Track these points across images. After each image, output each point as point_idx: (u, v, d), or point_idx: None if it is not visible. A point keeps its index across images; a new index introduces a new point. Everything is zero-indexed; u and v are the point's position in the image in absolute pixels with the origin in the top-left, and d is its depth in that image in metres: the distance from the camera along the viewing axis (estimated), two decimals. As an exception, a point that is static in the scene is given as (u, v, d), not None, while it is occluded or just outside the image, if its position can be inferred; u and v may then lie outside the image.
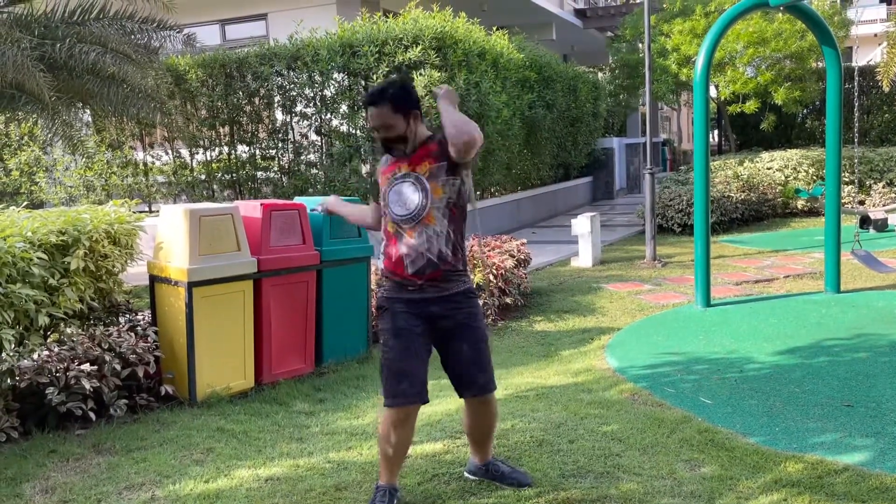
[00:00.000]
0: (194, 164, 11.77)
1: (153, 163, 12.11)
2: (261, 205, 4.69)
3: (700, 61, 6.46)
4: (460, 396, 3.16)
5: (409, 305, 3.01)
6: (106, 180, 12.18)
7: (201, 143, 11.43)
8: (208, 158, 11.55)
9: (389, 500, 3.01)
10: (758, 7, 6.53)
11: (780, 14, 13.53)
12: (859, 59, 20.52)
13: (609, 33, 20.74)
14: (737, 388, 4.37)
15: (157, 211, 10.83)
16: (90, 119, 11.72)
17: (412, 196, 2.96)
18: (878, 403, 4.00)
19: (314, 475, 3.42)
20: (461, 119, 2.86)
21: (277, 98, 10.85)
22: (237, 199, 11.23)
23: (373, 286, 5.40)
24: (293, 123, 10.90)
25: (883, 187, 12.58)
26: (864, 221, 7.65)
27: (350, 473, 3.43)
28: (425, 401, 3.02)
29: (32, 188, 12.71)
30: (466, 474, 3.33)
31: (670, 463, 3.41)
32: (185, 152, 11.82)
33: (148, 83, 8.83)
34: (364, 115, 9.88)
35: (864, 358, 4.83)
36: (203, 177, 11.66)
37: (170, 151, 11.93)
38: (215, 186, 11.60)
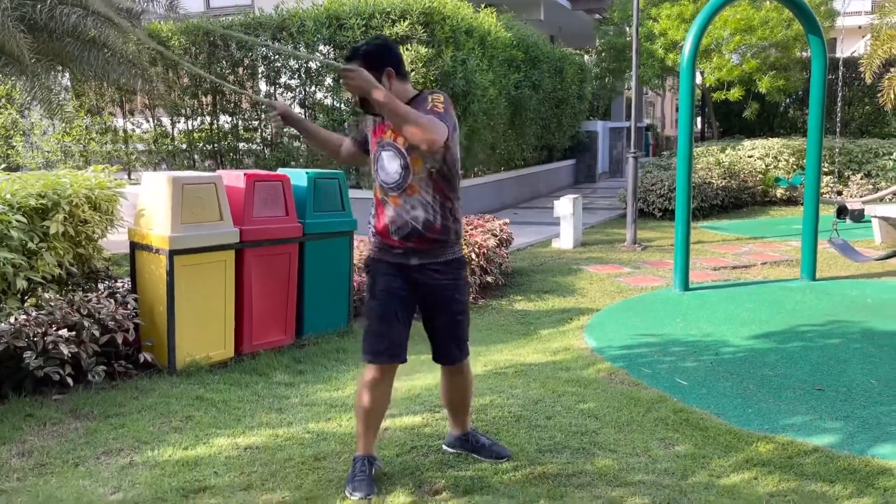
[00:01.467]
0: (175, 133, 11.63)
1: (133, 130, 11.95)
2: (244, 175, 4.66)
3: (687, 47, 6.48)
4: (434, 360, 3.21)
5: (392, 268, 3.03)
6: (84, 146, 12.00)
7: (183, 111, 11.28)
8: (190, 128, 11.42)
9: (368, 470, 3.03)
10: (747, -6, 6.55)
11: (768, 2, 13.58)
12: (844, 51, 20.67)
13: (597, 15, 20.68)
14: (712, 371, 4.44)
15: (137, 179, 10.72)
16: (69, 84, 11.51)
17: (394, 165, 2.95)
18: (849, 388, 4.09)
19: (293, 445, 3.44)
20: (423, 119, 2.73)
21: (261, 69, 10.74)
22: (218, 169, 11.12)
23: (356, 261, 5.40)
24: (277, 95, 10.79)
25: (861, 179, 12.74)
26: (841, 211, 7.75)
27: (329, 444, 3.45)
28: (403, 360, 3.07)
29: (9, 152, 12.49)
30: (445, 447, 3.37)
31: (645, 441, 3.47)
32: (166, 120, 11.67)
33: (129, 48, 8.69)
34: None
35: (836, 344, 4.92)
36: (184, 146, 11.54)
37: (151, 119, 11.78)
38: (196, 156, 11.48)
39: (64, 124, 11.56)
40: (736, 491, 2.99)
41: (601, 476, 3.12)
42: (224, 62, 10.78)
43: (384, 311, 3.00)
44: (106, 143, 11.93)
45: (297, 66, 10.41)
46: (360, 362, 4.73)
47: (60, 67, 8.53)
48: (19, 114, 12.48)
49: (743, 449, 3.38)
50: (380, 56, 2.92)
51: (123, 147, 11.95)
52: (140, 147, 11.90)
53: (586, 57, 19.98)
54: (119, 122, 12.02)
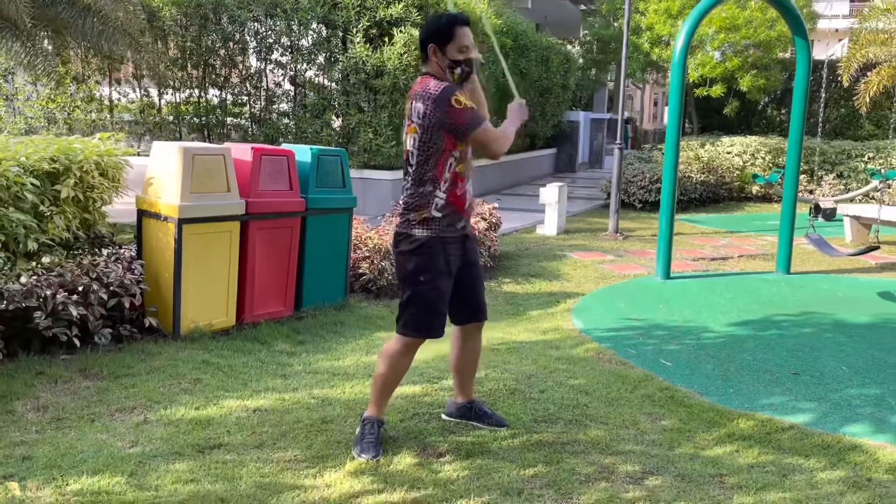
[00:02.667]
0: (162, 105, 11.59)
1: (119, 100, 11.88)
2: (251, 148, 4.77)
3: (679, 44, 6.68)
4: (467, 323, 3.31)
5: (456, 244, 3.15)
6: (69, 114, 11.91)
7: (171, 83, 11.25)
8: (177, 100, 11.40)
9: (378, 433, 3.20)
10: (738, -6, 6.77)
11: (753, 2, 13.87)
12: (820, 53, 21.09)
13: (582, 6, 20.86)
14: (694, 354, 4.68)
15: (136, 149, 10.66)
16: (52, 50, 11.40)
17: None
18: (822, 373, 4.34)
19: (300, 408, 3.60)
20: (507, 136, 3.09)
21: (253, 44, 10.75)
22: (205, 142, 11.11)
23: (354, 239, 5.53)
24: (267, 71, 10.82)
25: (833, 178, 13.13)
26: (815, 210, 8.07)
27: (334, 409, 3.61)
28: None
29: (-9, 116, 12.35)
30: (444, 416, 3.54)
31: (633, 415, 3.68)
32: (153, 91, 11.62)
33: (120, 17, 8.67)
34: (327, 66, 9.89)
35: (809, 333, 5.19)
36: (171, 118, 11.52)
37: (138, 89, 11.72)
38: (184, 129, 11.47)
39: (49, 91, 11.47)
40: (719, 461, 3.21)
41: (594, 445, 3.32)
42: (216, 35, 10.76)
43: (445, 291, 3.13)
44: (91, 111, 11.86)
45: (288, 44, 10.45)
46: (360, 335, 4.89)
47: (54, 33, 8.53)
48: (2, 78, 12.33)
49: (725, 424, 3.60)
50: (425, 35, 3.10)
51: (108, 116, 11.89)
52: (126, 117, 11.85)
53: (570, 47, 20.17)
54: (105, 90, 11.95)
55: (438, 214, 3.08)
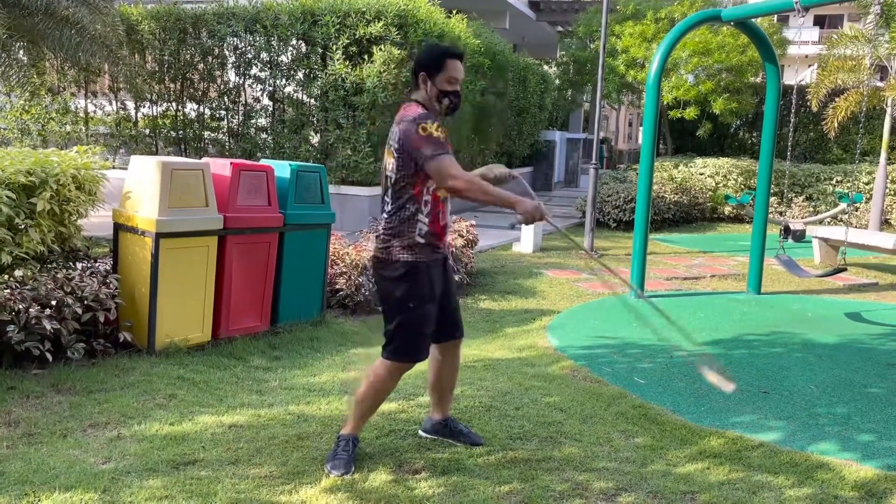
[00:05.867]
0: (139, 118, 11.54)
1: (95, 112, 11.81)
2: (230, 163, 4.77)
3: (654, 67, 6.82)
4: (446, 341, 3.35)
5: (439, 268, 3.19)
6: (43, 125, 11.81)
7: (148, 96, 11.21)
8: (154, 113, 11.36)
9: (353, 449, 3.21)
10: (711, 19, 6.94)
11: (726, 28, 14.17)
12: (790, 78, 21.56)
13: (559, 28, 21.16)
14: (667, 372, 4.74)
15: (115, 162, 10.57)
16: (28, 60, 11.31)
17: None
18: (791, 392, 4.43)
19: (276, 425, 3.59)
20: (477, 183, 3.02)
21: (232, 59, 10.77)
22: (182, 157, 11.07)
23: (331, 254, 5.55)
24: (246, 86, 10.83)
25: (803, 201, 13.40)
26: (785, 231, 8.24)
27: (310, 425, 3.61)
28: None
29: (-37, 127, 12.20)
30: (421, 433, 3.56)
31: (607, 432, 3.73)
32: (130, 104, 11.57)
33: (98, 28, 8.64)
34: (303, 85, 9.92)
35: (779, 352, 5.29)
36: (147, 131, 11.46)
37: (114, 102, 11.66)
38: (160, 143, 11.42)
39: (23, 102, 11.37)
40: (691, 478, 3.26)
41: (568, 462, 3.35)
42: (194, 49, 10.75)
43: (432, 314, 3.16)
44: (66, 123, 11.77)
45: (267, 59, 10.47)
46: (336, 352, 4.88)
47: (30, 44, 8.48)
48: (-25, 88, 12.20)
49: (696, 442, 3.66)
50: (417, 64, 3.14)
51: (84, 129, 11.80)
52: (102, 130, 11.77)
53: (547, 68, 20.42)
54: (80, 103, 11.87)
55: (422, 241, 3.09)
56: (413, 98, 3.15)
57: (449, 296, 3.31)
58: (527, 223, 3.05)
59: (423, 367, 3.69)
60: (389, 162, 3.10)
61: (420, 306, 3.10)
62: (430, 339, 3.21)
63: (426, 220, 3.08)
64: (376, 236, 3.19)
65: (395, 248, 3.08)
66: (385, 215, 3.13)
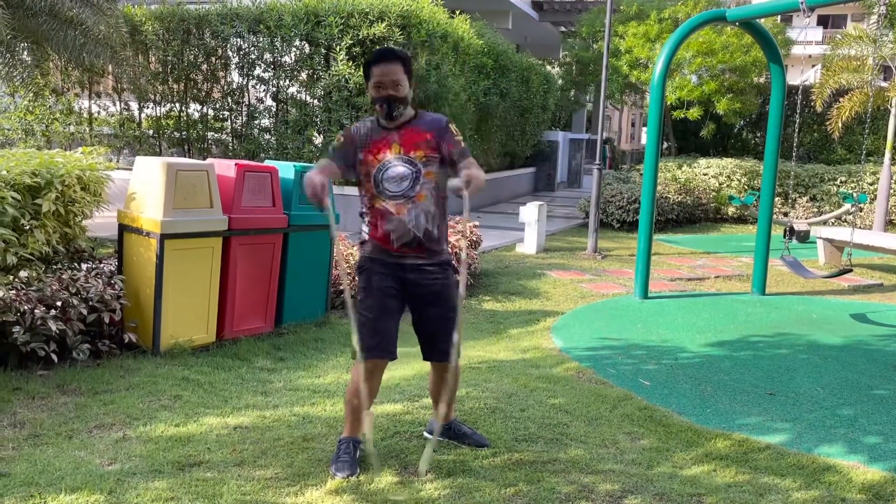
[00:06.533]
0: (142, 119, 11.55)
1: (99, 113, 11.82)
2: (235, 164, 4.77)
3: (658, 68, 6.81)
4: (426, 359, 3.34)
5: (387, 268, 3.16)
6: (47, 126, 11.82)
7: (152, 97, 11.22)
8: (158, 114, 11.36)
9: (353, 452, 3.20)
10: (716, 20, 6.92)
11: (729, 28, 14.15)
12: (794, 79, 21.52)
13: (562, 28, 21.14)
14: (672, 373, 4.73)
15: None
16: (32, 61, 11.32)
17: (405, 175, 3.08)
18: (797, 394, 4.42)
19: (281, 426, 3.59)
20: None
21: (235, 59, 10.77)
22: (185, 157, 11.08)
23: (335, 255, 5.54)
24: (249, 86, 10.83)
25: (807, 202, 13.37)
26: (790, 232, 8.22)
27: (315, 426, 3.61)
28: (394, 357, 3.20)
29: (-33, 128, 12.21)
30: (426, 434, 3.55)
31: (613, 434, 3.72)
32: (133, 105, 11.57)
33: (101, 29, 8.65)
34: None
35: (785, 354, 5.27)
36: (151, 132, 11.47)
37: (118, 103, 11.67)
38: (164, 143, 11.42)
39: (28, 102, 11.38)
40: (697, 481, 3.25)
41: (574, 464, 3.35)
42: (198, 50, 10.76)
43: (378, 309, 3.13)
44: (70, 124, 11.78)
45: (271, 60, 10.48)
46: (341, 353, 4.90)
47: (34, 45, 8.49)
48: (-21, 89, 12.22)
49: (702, 444, 3.65)
50: (412, 64, 3.14)
51: (87, 129, 11.81)
52: (106, 130, 11.78)
53: (549, 68, 20.41)
54: (84, 103, 11.88)
55: (367, 242, 3.21)
56: None
57: (425, 314, 3.21)
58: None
59: (427, 368, 3.69)
60: None
61: (364, 300, 3.15)
62: (383, 337, 3.12)
63: (367, 229, 3.20)
64: None
65: (358, 245, 3.28)
66: None
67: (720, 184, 13.59)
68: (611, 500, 3.02)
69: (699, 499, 3.08)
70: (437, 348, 3.24)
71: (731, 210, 13.35)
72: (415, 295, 3.20)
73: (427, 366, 3.44)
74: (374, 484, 3.04)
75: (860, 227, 12.00)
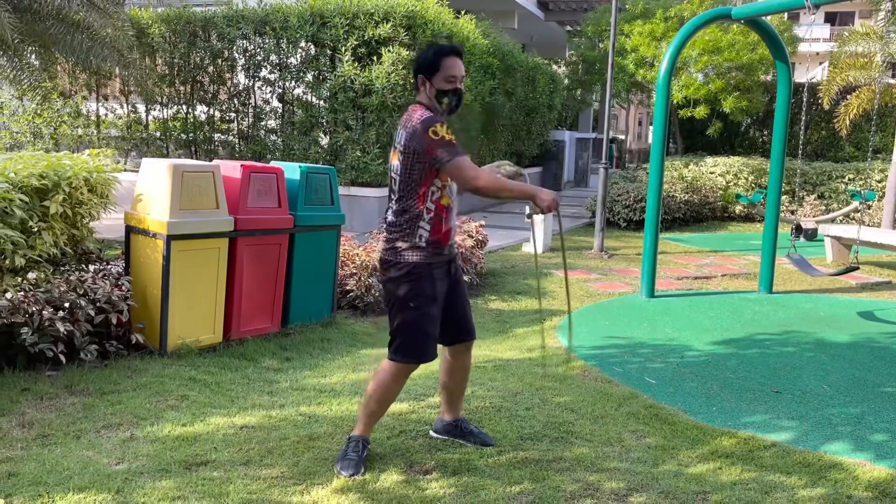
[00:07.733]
0: (149, 121, 11.60)
1: (106, 115, 11.88)
2: (241, 165, 4.79)
3: (664, 66, 6.80)
4: (455, 343, 3.35)
5: (442, 270, 3.18)
6: (55, 129, 11.89)
7: (159, 99, 11.28)
8: (165, 116, 11.42)
9: (362, 451, 3.22)
10: (722, 18, 6.91)
11: (735, 26, 14.11)
12: (801, 76, 21.45)
13: (568, 27, 21.14)
14: (678, 372, 4.73)
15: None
16: (39, 64, 11.39)
17: None
18: (803, 392, 4.41)
19: (287, 425, 3.61)
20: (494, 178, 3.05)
21: (241, 61, 10.81)
22: (192, 159, 11.13)
23: (341, 255, 5.56)
24: (255, 88, 10.87)
25: (815, 199, 13.32)
26: (797, 230, 8.20)
27: (322, 426, 3.62)
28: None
29: (-24, 131, 12.29)
30: (432, 433, 3.56)
31: (618, 432, 3.72)
32: (140, 107, 11.63)
33: (108, 32, 8.70)
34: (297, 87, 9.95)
35: (791, 352, 5.26)
36: (158, 134, 11.52)
37: (125, 105, 11.73)
38: (171, 145, 11.48)
39: (36, 105, 11.45)
40: (703, 479, 3.25)
41: (579, 462, 3.35)
42: (204, 52, 10.80)
43: (436, 315, 3.16)
44: (77, 126, 11.85)
45: (277, 61, 10.51)
46: (347, 353, 4.90)
47: (42, 49, 8.55)
48: (-12, 93, 12.30)
49: (708, 442, 3.65)
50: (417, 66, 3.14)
51: (95, 132, 11.88)
52: (113, 133, 11.84)
53: (555, 67, 20.40)
54: (92, 106, 11.95)
55: (424, 245, 3.11)
56: (417, 100, 3.16)
57: (457, 298, 3.30)
58: (543, 213, 3.03)
59: (433, 368, 3.71)
60: (394, 164, 3.11)
61: (421, 306, 3.11)
62: (435, 340, 3.19)
63: (427, 227, 3.09)
64: (382, 237, 3.21)
65: (399, 249, 3.11)
66: (390, 216, 3.15)
67: (727, 182, 13.55)
68: (616, 499, 3.02)
69: (705, 497, 3.08)
70: (466, 327, 3.35)
71: (738, 208, 13.31)
72: (450, 284, 3.26)
73: (433, 365, 3.45)
74: (379, 483, 3.05)
75: (868, 225, 11.95)
